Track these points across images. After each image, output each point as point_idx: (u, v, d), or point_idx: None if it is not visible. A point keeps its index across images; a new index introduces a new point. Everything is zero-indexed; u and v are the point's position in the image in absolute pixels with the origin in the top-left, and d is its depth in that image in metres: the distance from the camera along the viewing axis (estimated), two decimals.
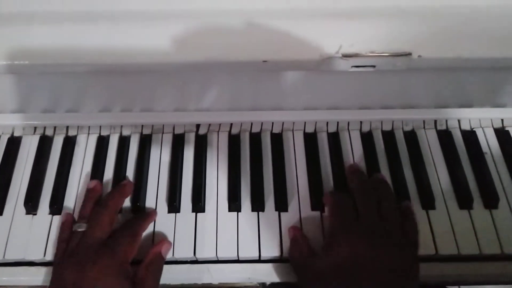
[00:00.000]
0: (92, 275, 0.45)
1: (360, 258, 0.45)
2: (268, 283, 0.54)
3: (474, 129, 0.61)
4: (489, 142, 0.60)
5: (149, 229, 0.54)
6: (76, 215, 0.54)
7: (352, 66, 0.44)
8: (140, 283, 0.48)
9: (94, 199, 0.54)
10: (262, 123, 0.61)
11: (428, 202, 0.55)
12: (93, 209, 0.52)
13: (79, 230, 0.50)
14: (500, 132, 0.60)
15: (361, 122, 0.61)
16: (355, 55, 0.42)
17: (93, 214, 0.51)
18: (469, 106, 0.60)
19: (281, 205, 0.55)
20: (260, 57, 0.44)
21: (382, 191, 0.53)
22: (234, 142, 0.60)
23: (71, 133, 0.61)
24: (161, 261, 0.51)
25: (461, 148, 0.59)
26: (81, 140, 0.60)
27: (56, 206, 0.55)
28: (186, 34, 0.45)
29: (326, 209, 0.54)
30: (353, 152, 0.59)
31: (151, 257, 0.50)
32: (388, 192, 0.53)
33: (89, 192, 0.55)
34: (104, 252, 0.48)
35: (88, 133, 0.61)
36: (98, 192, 0.55)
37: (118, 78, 0.53)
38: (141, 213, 0.55)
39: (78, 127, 0.61)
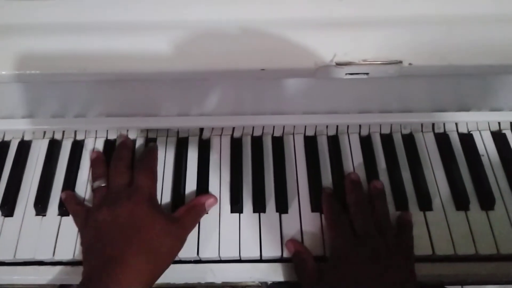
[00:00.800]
0: (128, 209, 0.49)
1: (361, 276, 0.47)
2: (269, 282, 0.55)
3: (471, 132, 0.62)
4: (486, 144, 0.60)
5: None
6: None
7: (346, 74, 0.45)
8: (178, 220, 0.51)
9: (102, 162, 0.58)
10: (263, 127, 0.62)
11: (425, 203, 0.56)
12: (110, 166, 0.57)
13: (102, 185, 0.55)
14: (497, 135, 0.61)
15: (360, 125, 0.62)
16: (349, 63, 0.44)
17: (112, 168, 0.56)
18: (467, 110, 0.61)
19: (282, 207, 0.56)
20: (258, 65, 0.45)
21: (378, 205, 0.54)
22: (236, 145, 0.61)
23: (79, 137, 0.62)
24: (202, 211, 0.54)
25: (458, 151, 0.60)
26: (88, 143, 0.62)
27: (65, 207, 0.56)
28: (188, 44, 0.47)
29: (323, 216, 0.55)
30: (352, 155, 0.60)
31: (193, 203, 0.54)
32: (384, 207, 0.55)
33: (94, 159, 0.59)
34: (131, 191, 0.52)
35: (96, 137, 0.62)
36: (102, 157, 0.59)
37: (124, 85, 0.55)
38: (145, 150, 0.59)
39: (85, 131, 0.62)
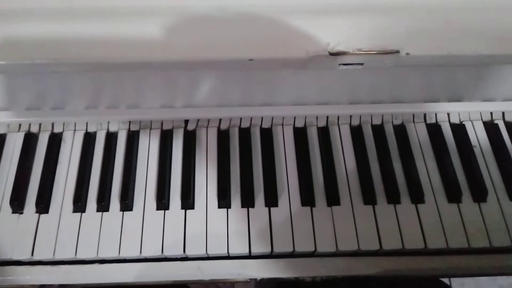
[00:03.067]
0: None
1: None
2: (258, 278, 0.54)
3: (463, 122, 0.61)
4: (478, 135, 0.60)
5: (138, 226, 0.53)
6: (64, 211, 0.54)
7: (339, 64, 0.43)
8: None
9: None
10: (251, 118, 0.61)
11: (417, 196, 0.55)
12: None
13: None
14: (489, 125, 0.61)
15: (350, 116, 0.61)
16: (343, 53, 0.42)
17: None
18: (459, 100, 0.60)
19: (271, 201, 0.55)
20: (246, 55, 0.43)
21: None
22: (223, 137, 0.60)
23: (57, 130, 0.60)
24: None
25: (450, 142, 0.60)
26: (67, 136, 0.60)
27: (42, 204, 0.54)
28: (172, 32, 0.45)
29: None
30: (343, 146, 0.59)
31: None
32: None
33: None
34: None
35: (75, 130, 0.60)
36: None
37: (104, 75, 0.53)
38: None
39: (64, 123, 0.60)
